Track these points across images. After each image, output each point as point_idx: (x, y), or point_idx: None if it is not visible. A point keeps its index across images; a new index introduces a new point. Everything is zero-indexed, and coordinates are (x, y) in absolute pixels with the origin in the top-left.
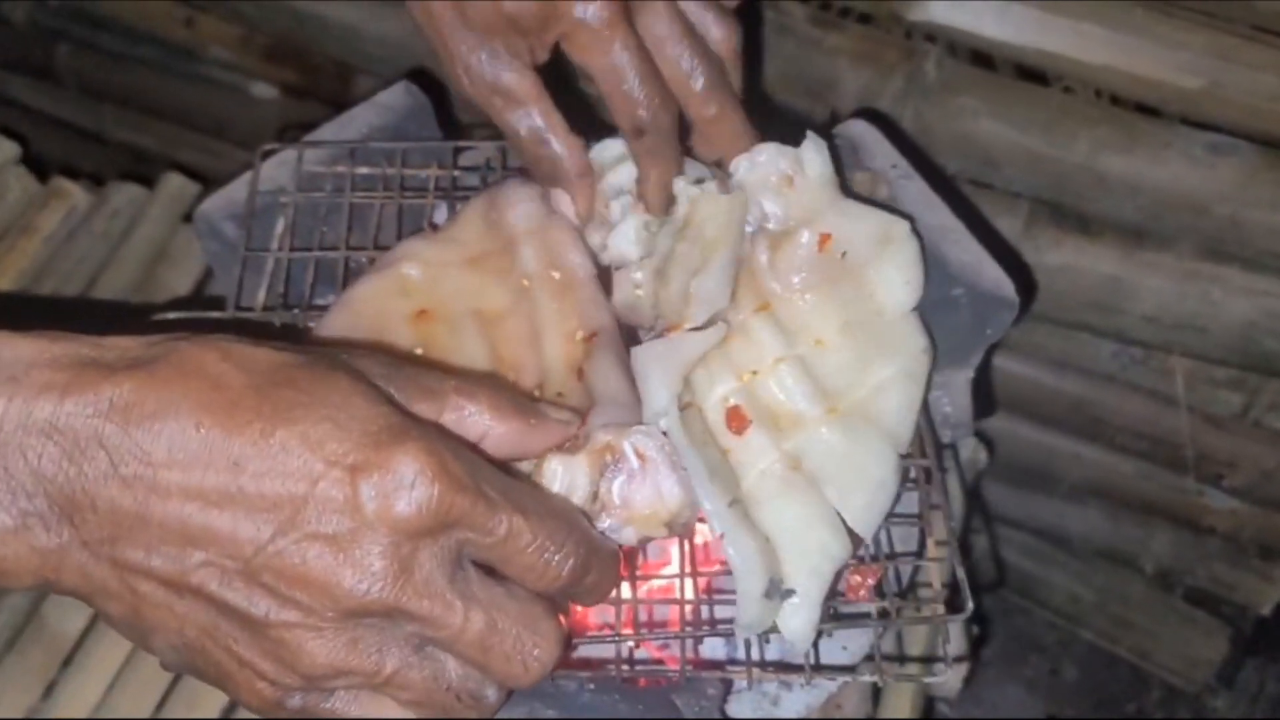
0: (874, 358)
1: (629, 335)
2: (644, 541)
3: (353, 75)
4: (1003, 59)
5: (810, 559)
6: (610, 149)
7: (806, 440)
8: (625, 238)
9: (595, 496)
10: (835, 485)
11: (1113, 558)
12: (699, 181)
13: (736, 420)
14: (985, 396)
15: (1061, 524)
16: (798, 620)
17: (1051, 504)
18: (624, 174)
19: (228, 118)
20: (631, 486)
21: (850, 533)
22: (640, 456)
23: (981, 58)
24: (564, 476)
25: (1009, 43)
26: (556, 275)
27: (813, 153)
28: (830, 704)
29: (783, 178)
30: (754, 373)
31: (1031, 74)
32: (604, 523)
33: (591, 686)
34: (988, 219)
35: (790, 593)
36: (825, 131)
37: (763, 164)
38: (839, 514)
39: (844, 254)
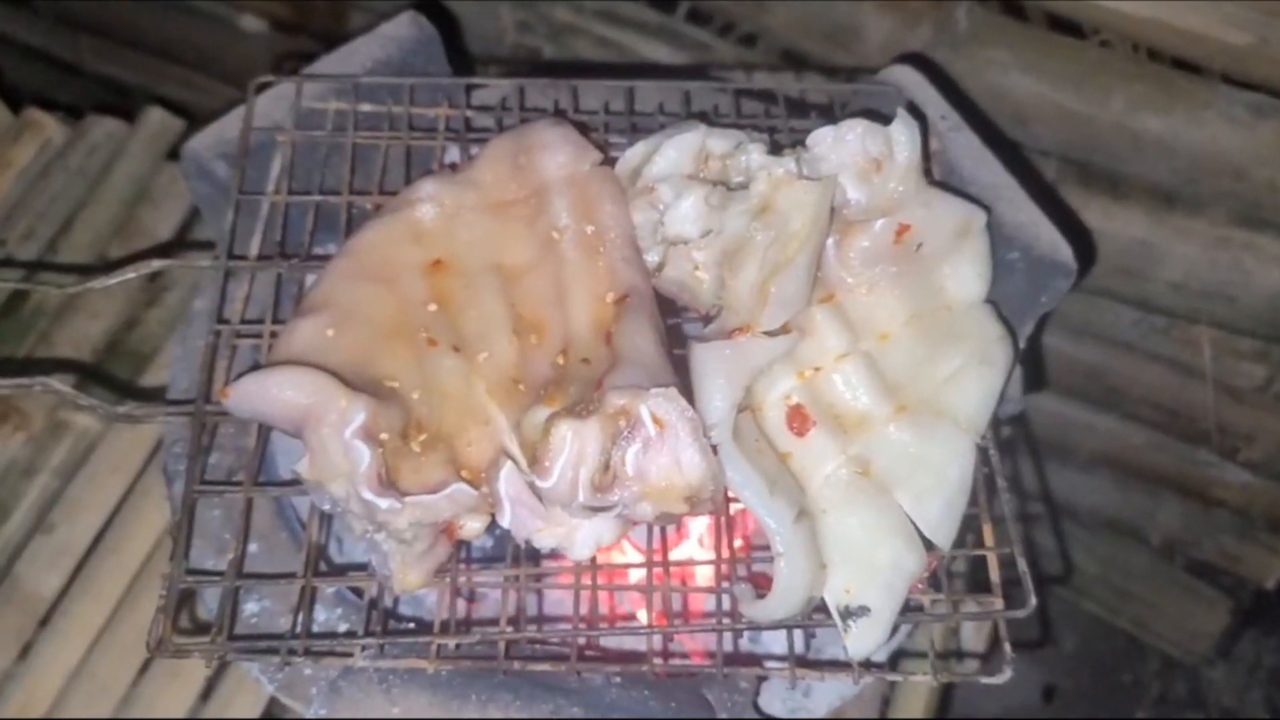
0: (942, 349)
1: (664, 306)
2: (663, 519)
3: (347, 9)
4: (1036, 9)
5: (882, 574)
6: (636, 153)
7: (874, 442)
8: (685, 216)
9: (607, 466)
10: (908, 490)
11: (1119, 529)
12: (760, 150)
13: (798, 420)
14: (1036, 369)
15: (1070, 495)
16: (867, 641)
17: (1062, 474)
18: (661, 162)
19: (213, 51)
20: (647, 456)
21: (925, 541)
22: (658, 423)
23: (1013, 7)
24: (573, 443)
25: None
26: (590, 229)
27: (904, 135)
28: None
29: (870, 161)
30: (816, 369)
31: (1066, 25)
32: (616, 495)
33: (618, 681)
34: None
35: (864, 611)
36: (852, 78)
37: (850, 144)
38: (913, 522)
39: (919, 246)
